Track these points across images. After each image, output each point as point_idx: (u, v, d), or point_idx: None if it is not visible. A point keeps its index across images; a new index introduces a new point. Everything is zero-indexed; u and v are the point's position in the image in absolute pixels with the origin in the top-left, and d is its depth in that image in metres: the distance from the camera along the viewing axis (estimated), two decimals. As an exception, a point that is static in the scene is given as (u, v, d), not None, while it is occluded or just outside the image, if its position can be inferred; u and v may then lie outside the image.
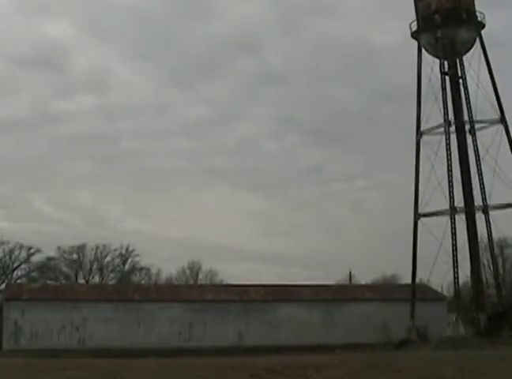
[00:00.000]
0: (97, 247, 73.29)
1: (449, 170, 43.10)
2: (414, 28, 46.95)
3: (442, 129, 44.38)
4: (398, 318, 42.53)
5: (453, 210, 42.41)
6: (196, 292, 50.01)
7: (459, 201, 43.35)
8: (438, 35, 44.64)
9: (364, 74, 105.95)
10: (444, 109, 44.25)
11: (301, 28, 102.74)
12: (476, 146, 44.50)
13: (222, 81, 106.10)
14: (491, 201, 43.91)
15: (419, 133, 45.81)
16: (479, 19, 45.44)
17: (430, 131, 45.36)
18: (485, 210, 43.88)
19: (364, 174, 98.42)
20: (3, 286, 60.35)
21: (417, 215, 44.42)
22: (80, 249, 72.80)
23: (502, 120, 44.82)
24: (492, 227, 44.37)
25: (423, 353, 29.07)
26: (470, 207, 43.53)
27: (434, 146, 43.90)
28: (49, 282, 66.38)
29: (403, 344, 39.32)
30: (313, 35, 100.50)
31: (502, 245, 65.92)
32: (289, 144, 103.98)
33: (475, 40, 45.39)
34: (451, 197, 42.62)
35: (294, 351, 35.16)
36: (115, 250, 74.28)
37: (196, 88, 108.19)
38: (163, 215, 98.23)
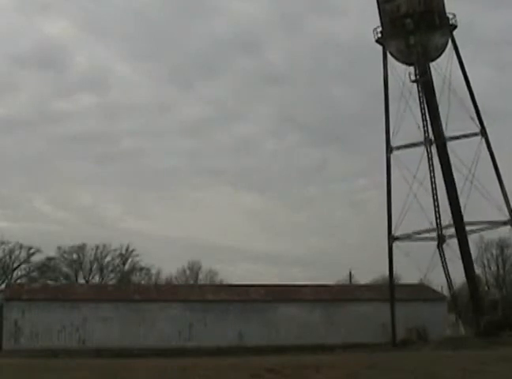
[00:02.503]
0: (97, 247, 73.33)
1: (434, 188, 40.39)
2: (380, 32, 42.91)
3: (416, 143, 41.14)
4: (398, 318, 42.51)
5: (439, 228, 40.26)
6: (196, 292, 50.00)
7: (444, 220, 40.90)
8: (411, 42, 41.01)
9: (365, 74, 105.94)
10: (423, 121, 41.09)
11: (302, 27, 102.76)
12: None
13: (222, 80, 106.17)
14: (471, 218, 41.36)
15: (390, 149, 41.67)
16: (451, 21, 42.22)
17: (402, 146, 41.69)
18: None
19: (364, 173, 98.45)
20: (3, 286, 60.36)
21: (391, 239, 40.97)
22: (80, 249, 72.82)
23: (482, 132, 41.15)
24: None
25: (423, 353, 29.08)
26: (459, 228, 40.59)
27: (409, 162, 40.68)
28: (49, 282, 66.37)
29: (403, 344, 39.34)
30: (314, 34, 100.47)
31: (502, 245, 65.98)
32: (289, 143, 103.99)
33: (447, 44, 42.19)
34: (437, 218, 40.20)
35: (294, 351, 35.17)
36: (115, 250, 74.33)
37: (196, 87, 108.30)
38: (163, 215, 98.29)
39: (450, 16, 42.22)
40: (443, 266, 39.73)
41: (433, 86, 41.75)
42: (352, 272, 67.22)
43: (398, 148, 41.67)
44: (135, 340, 42.05)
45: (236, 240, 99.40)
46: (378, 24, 43.16)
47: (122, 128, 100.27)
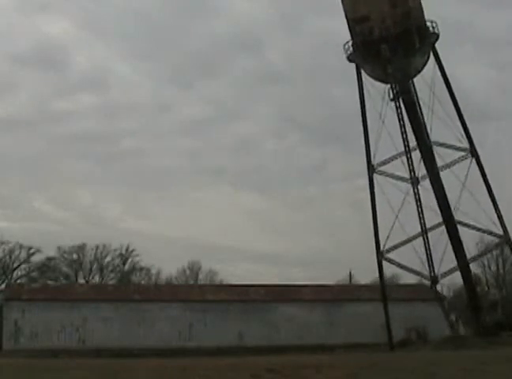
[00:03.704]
0: (97, 247, 73.32)
1: (420, 213, 38.08)
2: (352, 47, 38.22)
3: (399, 160, 38.30)
4: (398, 318, 42.52)
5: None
6: (196, 292, 50.02)
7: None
8: (389, 70, 36.55)
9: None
10: (404, 141, 37.82)
11: (302, 27, 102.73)
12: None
13: (222, 80, 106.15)
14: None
15: (371, 168, 39.00)
16: (431, 30, 37.53)
17: (384, 163, 38.93)
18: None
19: (364, 173, 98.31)
20: (3, 286, 60.37)
21: (380, 255, 39.06)
22: (80, 249, 72.81)
23: (472, 152, 37.89)
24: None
25: (423, 353, 29.08)
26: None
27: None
28: (49, 282, 66.35)
29: (402, 344, 39.34)
30: (314, 33, 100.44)
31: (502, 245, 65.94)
32: (289, 143, 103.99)
33: (429, 57, 38.20)
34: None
35: (294, 351, 35.19)
36: (115, 250, 74.32)
37: (196, 87, 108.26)
38: (163, 215, 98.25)
39: (431, 27, 37.41)
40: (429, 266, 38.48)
41: (415, 103, 38.59)
42: (352, 272, 67.29)
43: (380, 164, 39.02)
44: (135, 340, 42.08)
45: (236, 240, 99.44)
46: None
47: (122, 128, 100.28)
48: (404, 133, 37.71)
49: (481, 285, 53.13)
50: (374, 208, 38.85)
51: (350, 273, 67.09)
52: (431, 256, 37.70)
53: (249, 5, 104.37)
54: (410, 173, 37.86)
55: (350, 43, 38.04)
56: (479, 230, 39.61)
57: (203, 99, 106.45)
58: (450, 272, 38.95)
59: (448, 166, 38.15)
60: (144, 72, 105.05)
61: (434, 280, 38.29)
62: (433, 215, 39.04)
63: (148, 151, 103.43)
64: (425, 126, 38.79)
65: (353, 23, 36.95)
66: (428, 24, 37.30)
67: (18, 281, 66.24)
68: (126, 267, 75.73)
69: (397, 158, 38.68)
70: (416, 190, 37.50)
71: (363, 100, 38.67)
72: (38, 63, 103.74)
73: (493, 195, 37.77)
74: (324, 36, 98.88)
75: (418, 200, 37.64)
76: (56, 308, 43.20)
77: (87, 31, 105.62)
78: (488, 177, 38.04)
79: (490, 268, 67.20)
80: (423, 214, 38.08)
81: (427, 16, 37.57)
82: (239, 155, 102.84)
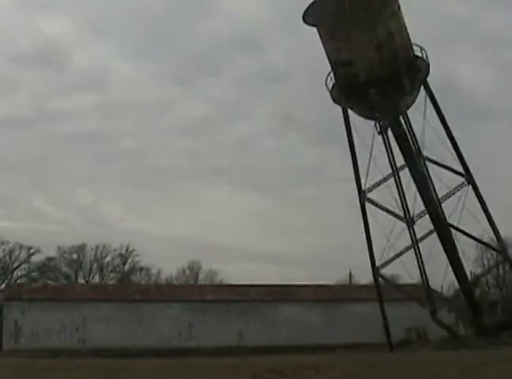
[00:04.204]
0: (97, 247, 73.44)
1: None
2: (338, 90, 34.86)
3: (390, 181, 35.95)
4: (398, 318, 42.52)
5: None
6: (196, 292, 50.04)
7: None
8: (377, 115, 34.01)
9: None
10: (395, 177, 35.69)
11: (302, 27, 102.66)
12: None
13: (223, 80, 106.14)
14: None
15: (362, 194, 36.79)
16: (420, 55, 34.51)
17: (375, 186, 37.04)
18: None
19: (364, 173, 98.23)
20: (3, 286, 60.42)
21: (376, 270, 37.70)
22: (80, 249, 72.90)
23: (468, 179, 36.00)
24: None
25: (423, 353, 29.08)
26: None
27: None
28: (49, 282, 66.42)
29: (403, 344, 39.34)
30: (314, 33, 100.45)
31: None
32: (290, 143, 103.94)
33: (420, 88, 35.31)
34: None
35: (294, 351, 35.18)
36: (115, 250, 74.43)
37: (197, 87, 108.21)
38: (164, 215, 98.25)
39: (420, 53, 34.31)
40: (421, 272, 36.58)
41: (406, 135, 36.31)
42: (352, 272, 67.32)
43: (371, 189, 36.86)
44: (135, 340, 42.08)
45: (236, 240, 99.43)
46: None
47: (122, 127, 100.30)
48: (395, 170, 35.56)
49: (481, 285, 53.09)
50: (368, 234, 37.15)
51: (350, 273, 67.18)
52: (423, 268, 36.72)
53: (249, 5, 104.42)
54: (404, 212, 35.60)
55: (333, 80, 35.09)
56: (477, 240, 39.28)
57: (203, 99, 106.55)
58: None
59: (445, 199, 36.68)
60: (145, 71, 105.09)
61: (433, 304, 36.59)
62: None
63: (148, 151, 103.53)
64: (419, 150, 36.59)
65: (336, 65, 34.21)
66: (417, 51, 34.29)
67: (18, 281, 66.35)
68: (126, 267, 75.84)
69: (388, 183, 36.60)
70: (411, 230, 35.26)
71: (351, 137, 36.17)
72: (38, 63, 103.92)
73: (492, 221, 36.80)
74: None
75: (414, 240, 35.54)
76: (56, 308, 43.23)
77: (87, 31, 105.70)
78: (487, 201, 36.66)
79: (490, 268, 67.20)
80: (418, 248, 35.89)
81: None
82: (238, 155, 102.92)
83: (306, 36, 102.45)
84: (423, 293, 36.48)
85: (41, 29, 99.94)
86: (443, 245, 37.65)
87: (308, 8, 32.81)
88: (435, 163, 36.63)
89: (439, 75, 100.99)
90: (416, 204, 36.23)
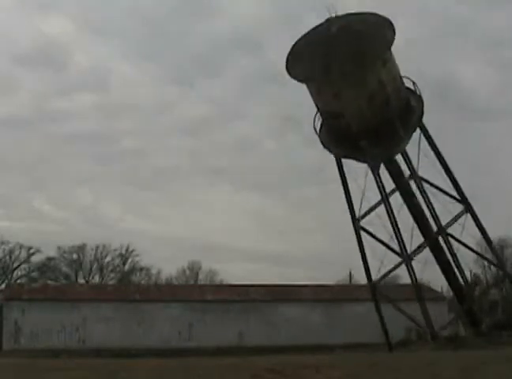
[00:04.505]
0: (97, 247, 73.48)
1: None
2: (328, 138, 32.98)
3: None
4: (398, 318, 42.52)
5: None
6: (196, 292, 50.04)
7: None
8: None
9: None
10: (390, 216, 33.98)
11: (302, 27, 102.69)
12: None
13: (223, 80, 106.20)
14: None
15: (356, 221, 34.76)
16: (415, 92, 32.75)
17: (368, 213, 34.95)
18: None
19: (365, 173, 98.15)
20: (3, 286, 60.43)
21: (372, 286, 37.16)
22: (80, 249, 72.92)
23: (467, 208, 34.73)
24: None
25: (423, 353, 29.06)
26: None
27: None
28: (49, 282, 66.43)
29: (402, 344, 39.32)
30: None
31: (502, 245, 65.92)
32: (290, 143, 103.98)
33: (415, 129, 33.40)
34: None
35: (294, 351, 35.17)
36: (115, 250, 74.47)
37: (196, 87, 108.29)
38: (163, 215, 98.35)
39: (413, 88, 32.55)
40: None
41: (401, 172, 34.78)
42: (352, 272, 67.29)
43: (364, 215, 34.87)
44: (135, 340, 42.07)
45: (236, 240, 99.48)
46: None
47: (122, 127, 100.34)
48: (390, 211, 34.01)
49: (481, 285, 53.04)
50: (363, 255, 36.28)
51: (350, 273, 67.17)
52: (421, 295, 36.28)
53: (249, 4, 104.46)
54: (401, 249, 34.64)
55: (321, 120, 33.07)
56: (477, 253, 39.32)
57: (203, 99, 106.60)
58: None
59: (445, 228, 35.65)
60: (145, 71, 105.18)
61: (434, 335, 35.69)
62: None
63: (148, 151, 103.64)
64: (422, 183, 34.91)
65: (326, 115, 32.38)
66: (408, 83, 32.40)
67: (18, 281, 66.37)
68: (126, 267, 75.86)
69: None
70: (409, 266, 34.63)
71: (345, 178, 34.20)
72: (38, 63, 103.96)
73: (493, 246, 36.77)
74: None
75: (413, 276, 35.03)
76: (56, 308, 43.23)
77: (87, 31, 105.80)
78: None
79: (490, 268, 67.16)
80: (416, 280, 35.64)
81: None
82: (238, 155, 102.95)
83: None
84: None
85: (41, 29, 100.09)
86: (436, 258, 37.13)
87: (291, 55, 31.14)
88: (432, 185, 35.06)
89: (439, 75, 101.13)
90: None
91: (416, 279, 34.94)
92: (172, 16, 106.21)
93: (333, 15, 30.44)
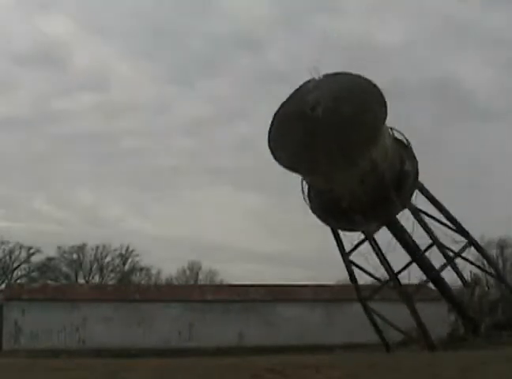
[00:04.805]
0: (97, 247, 73.65)
1: None
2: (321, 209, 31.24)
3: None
4: (398, 319, 42.51)
5: None
6: (196, 292, 50.05)
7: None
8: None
9: (366, 72, 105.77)
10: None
11: (303, 26, 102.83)
12: None
13: (223, 79, 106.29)
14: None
15: (345, 256, 33.74)
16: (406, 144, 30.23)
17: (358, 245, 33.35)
18: None
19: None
20: (3, 286, 60.46)
21: (362, 301, 36.07)
22: (80, 249, 73.04)
23: (470, 242, 33.31)
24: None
25: (422, 353, 29.06)
26: None
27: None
28: (49, 282, 66.48)
29: (403, 345, 39.29)
30: (314, 33, 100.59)
31: (502, 245, 66.04)
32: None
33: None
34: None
35: (294, 351, 35.17)
36: (115, 250, 74.63)
37: (197, 86, 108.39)
38: (164, 215, 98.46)
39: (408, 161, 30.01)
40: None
41: (402, 227, 32.63)
42: (352, 272, 67.18)
43: (353, 249, 33.83)
44: (135, 340, 42.08)
45: (236, 240, 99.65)
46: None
47: (123, 127, 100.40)
48: (379, 254, 32.38)
49: (481, 285, 53.02)
50: (356, 285, 35.75)
51: (350, 273, 67.00)
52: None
53: (249, 5, 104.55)
54: (390, 275, 33.71)
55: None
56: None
57: (203, 99, 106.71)
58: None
59: (447, 264, 34.53)
60: (145, 71, 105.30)
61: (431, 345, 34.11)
62: None
63: (149, 150, 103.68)
64: (429, 230, 32.74)
65: (315, 188, 30.69)
66: (396, 134, 29.99)
67: (18, 281, 66.47)
68: (126, 267, 75.93)
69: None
70: (399, 288, 33.74)
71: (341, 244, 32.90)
72: (38, 63, 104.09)
73: (502, 275, 36.46)
74: (324, 35, 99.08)
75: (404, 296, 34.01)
76: (56, 308, 43.24)
77: (87, 30, 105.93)
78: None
79: (490, 267, 67.21)
80: None
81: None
82: (239, 155, 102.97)
83: (306, 36, 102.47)
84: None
85: (41, 29, 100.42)
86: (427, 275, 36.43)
87: (273, 139, 28.85)
88: (431, 217, 32.98)
89: (439, 75, 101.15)
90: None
91: (408, 299, 33.79)
92: (172, 15, 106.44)
93: (317, 77, 28.31)
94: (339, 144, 27.39)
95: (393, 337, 40.49)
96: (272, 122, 29.78)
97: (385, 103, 27.69)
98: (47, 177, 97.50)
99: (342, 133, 27.65)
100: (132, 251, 74.57)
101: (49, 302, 43.81)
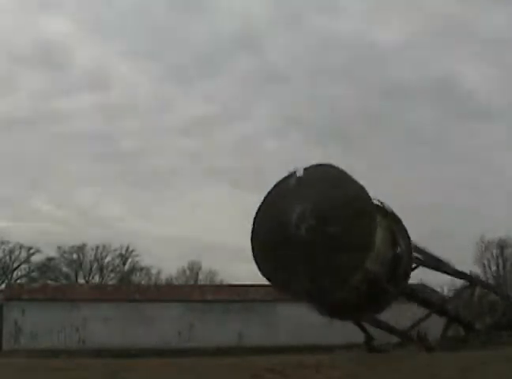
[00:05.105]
0: (97, 247, 73.65)
1: None
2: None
3: None
4: (398, 319, 42.49)
5: None
6: (196, 292, 50.05)
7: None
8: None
9: (366, 72, 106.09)
10: None
11: (303, 26, 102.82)
12: None
13: (223, 79, 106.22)
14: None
15: None
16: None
17: None
18: None
19: (365, 173, 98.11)
20: (3, 286, 60.47)
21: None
22: (80, 249, 73.06)
23: (472, 282, 32.54)
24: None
25: (422, 353, 29.03)
26: None
27: None
28: (49, 282, 66.49)
29: (402, 345, 39.25)
30: (315, 32, 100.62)
31: (502, 245, 66.06)
32: (290, 143, 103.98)
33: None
34: None
35: (294, 351, 35.16)
36: (115, 250, 74.64)
37: (197, 86, 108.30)
38: (164, 215, 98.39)
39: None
40: None
41: None
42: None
43: None
44: (135, 340, 42.08)
45: (236, 240, 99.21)
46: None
47: (122, 127, 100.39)
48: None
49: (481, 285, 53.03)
50: None
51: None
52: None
53: (249, 5, 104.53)
54: None
55: None
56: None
57: (204, 99, 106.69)
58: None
59: (453, 299, 34.31)
60: (145, 71, 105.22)
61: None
62: None
63: (149, 150, 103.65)
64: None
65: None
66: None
67: (18, 281, 66.44)
68: (126, 267, 75.93)
69: None
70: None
71: None
72: (38, 63, 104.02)
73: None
74: (326, 34, 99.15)
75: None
76: (56, 308, 43.25)
77: (87, 31, 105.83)
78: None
79: (490, 268, 67.33)
80: None
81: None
82: (239, 155, 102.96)
83: (306, 36, 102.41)
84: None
85: (41, 29, 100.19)
86: None
87: (255, 247, 25.25)
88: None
89: (439, 75, 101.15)
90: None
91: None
92: (172, 15, 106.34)
93: (298, 175, 24.40)
94: (326, 269, 24.17)
95: (394, 338, 40.52)
96: (252, 232, 25.61)
97: (375, 216, 24.27)
98: (47, 177, 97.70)
99: (330, 259, 24.27)
100: (132, 251, 74.71)
101: (49, 302, 43.84)
